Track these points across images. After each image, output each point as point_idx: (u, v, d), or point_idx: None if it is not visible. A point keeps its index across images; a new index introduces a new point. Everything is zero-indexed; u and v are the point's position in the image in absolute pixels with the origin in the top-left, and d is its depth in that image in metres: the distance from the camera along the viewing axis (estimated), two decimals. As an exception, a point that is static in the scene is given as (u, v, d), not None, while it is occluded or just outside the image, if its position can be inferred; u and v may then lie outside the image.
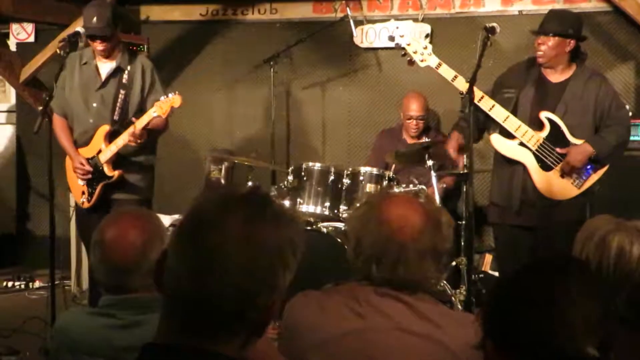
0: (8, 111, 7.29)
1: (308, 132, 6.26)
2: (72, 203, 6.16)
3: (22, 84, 5.91)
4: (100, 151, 4.43)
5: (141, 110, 4.45)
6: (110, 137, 4.42)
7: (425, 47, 4.08)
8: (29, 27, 6.86)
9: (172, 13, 6.49)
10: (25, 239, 6.96)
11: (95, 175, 4.46)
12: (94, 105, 4.45)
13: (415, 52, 4.08)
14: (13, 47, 6.70)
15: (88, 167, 4.43)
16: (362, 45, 6.06)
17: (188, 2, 6.44)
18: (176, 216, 5.69)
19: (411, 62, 4.14)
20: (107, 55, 4.44)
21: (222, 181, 6.00)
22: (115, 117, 4.42)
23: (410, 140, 5.39)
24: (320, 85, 6.20)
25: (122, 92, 4.43)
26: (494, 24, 3.90)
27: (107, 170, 4.43)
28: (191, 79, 6.45)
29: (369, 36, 6.03)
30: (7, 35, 6.78)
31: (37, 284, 6.07)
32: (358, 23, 5.93)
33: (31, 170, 7.00)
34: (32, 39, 6.88)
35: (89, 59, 4.48)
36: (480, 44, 3.88)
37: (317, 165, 4.80)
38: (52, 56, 5.74)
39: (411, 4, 5.98)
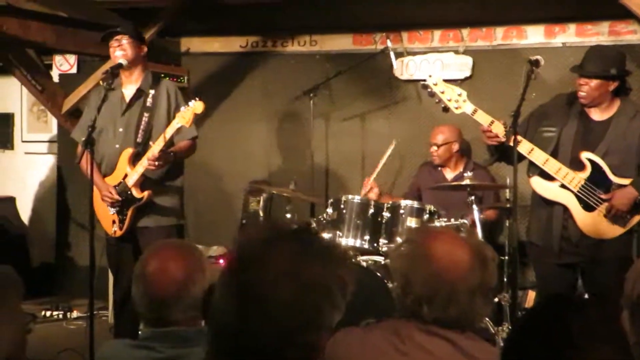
0: (49, 141, 7.45)
1: (347, 164, 6.26)
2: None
3: (64, 114, 6.02)
4: (126, 175, 4.43)
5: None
6: (135, 159, 4.42)
7: (460, 94, 4.07)
8: (72, 58, 7.01)
9: (212, 45, 6.59)
10: (64, 269, 7.05)
11: (124, 201, 4.45)
12: (120, 130, 4.48)
13: (449, 100, 4.07)
14: (56, 78, 6.86)
15: (116, 196, 4.41)
16: (402, 77, 6.06)
17: (228, 34, 6.53)
18: (214, 247, 5.73)
19: (446, 109, 4.14)
20: (128, 63, 4.42)
21: (260, 213, 6.02)
22: (139, 140, 4.43)
23: (450, 175, 5.37)
24: (360, 117, 6.22)
25: (145, 114, 4.44)
26: (538, 57, 3.88)
27: (136, 192, 4.41)
28: (230, 110, 6.52)
29: (409, 68, 6.04)
30: (50, 67, 6.94)
31: (74, 313, 6.12)
32: (398, 55, 5.94)
33: (71, 199, 7.11)
34: (74, 70, 7.04)
35: (116, 85, 4.51)
36: (524, 77, 3.85)
37: (357, 198, 4.80)
38: (94, 87, 5.83)
39: (452, 36, 5.98)
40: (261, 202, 6.11)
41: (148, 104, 4.46)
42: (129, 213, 4.45)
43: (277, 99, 6.42)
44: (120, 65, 4.40)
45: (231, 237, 6.30)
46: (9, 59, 5.71)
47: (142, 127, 4.43)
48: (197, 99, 4.23)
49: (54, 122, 7.27)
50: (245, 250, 1.39)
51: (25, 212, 7.44)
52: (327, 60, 6.30)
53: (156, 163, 4.28)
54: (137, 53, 4.47)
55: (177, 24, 6.31)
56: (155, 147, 4.28)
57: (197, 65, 6.58)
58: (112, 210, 4.50)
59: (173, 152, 4.42)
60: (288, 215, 5.13)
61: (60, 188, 7.16)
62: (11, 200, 7.27)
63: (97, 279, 4.25)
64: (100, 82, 4.34)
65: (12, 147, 7.70)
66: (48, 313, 6.11)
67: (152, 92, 4.47)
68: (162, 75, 5.23)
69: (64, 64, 7.06)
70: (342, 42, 6.29)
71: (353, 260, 4.51)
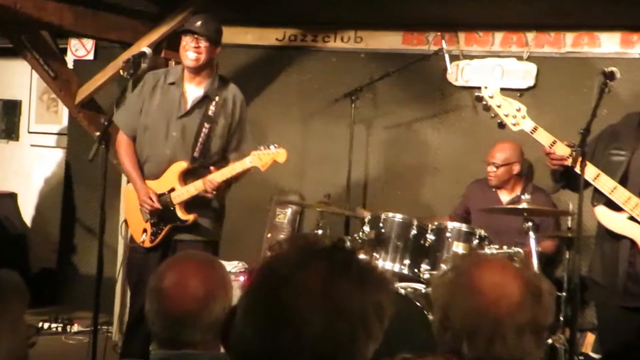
0: (59, 134, 7.59)
1: (389, 177, 6.29)
2: (117, 238, 6.40)
3: (77, 105, 6.09)
4: (173, 189, 4.46)
5: (223, 150, 4.51)
6: (186, 175, 4.46)
7: (519, 109, 4.07)
8: (89, 43, 7.15)
9: (245, 36, 6.66)
10: (67, 276, 7.17)
11: (164, 215, 4.48)
12: (174, 134, 4.47)
13: (507, 115, 4.07)
14: (70, 65, 6.95)
15: (158, 205, 4.45)
16: (456, 83, 6.08)
17: (263, 25, 6.61)
18: (234, 263, 5.78)
19: (502, 125, 4.13)
20: (197, 68, 4.44)
21: (288, 226, 6.07)
22: (196, 154, 4.45)
23: (505, 197, 5.36)
24: (405, 125, 6.24)
25: (206, 125, 4.45)
26: (614, 69, 3.86)
27: (180, 213, 4.46)
28: (261, 110, 6.57)
29: (465, 73, 6.05)
30: (64, 52, 7.07)
31: (75, 327, 6.21)
32: (453, 58, 5.96)
33: (79, 200, 7.23)
34: (90, 56, 7.18)
35: (177, 79, 4.51)
36: (597, 90, 3.83)
37: (398, 217, 4.82)
38: (113, 77, 5.93)
39: (515, 40, 5.98)
40: (289, 215, 6.18)
41: (210, 112, 4.47)
42: (166, 229, 4.51)
43: (314, 100, 6.48)
44: (143, 54, 4.37)
45: (253, 251, 6.35)
46: (21, 41, 5.79)
47: (201, 139, 4.46)
48: (280, 146, 4.29)
49: (65, 113, 7.41)
50: (274, 269, 1.41)
51: (27, 210, 7.57)
52: (373, 59, 6.34)
53: (214, 192, 4.36)
54: (210, 58, 4.49)
55: (208, 10, 6.35)
56: (218, 177, 4.33)
57: (226, 57, 6.54)
58: (147, 218, 4.54)
59: (233, 178, 4.46)
60: (319, 232, 5.16)
61: (68, 186, 7.29)
62: (12, 197, 7.38)
63: (103, 291, 4.33)
64: (121, 72, 4.36)
65: (17, 138, 7.86)
66: (46, 325, 6.19)
67: (217, 98, 4.49)
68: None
69: (80, 49, 7.20)
70: (390, 41, 6.33)
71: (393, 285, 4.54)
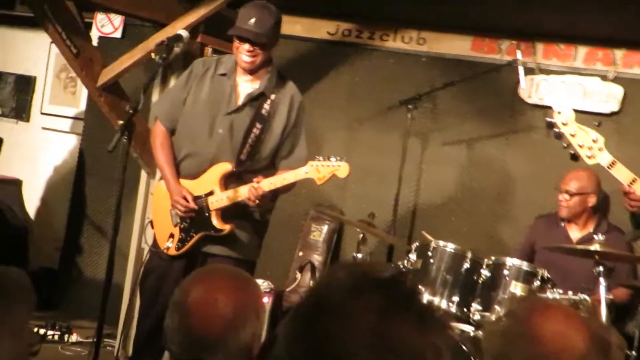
0: (74, 118, 7.67)
1: (443, 200, 6.28)
2: (129, 241, 6.44)
3: (99, 87, 6.12)
4: (211, 193, 4.45)
5: (273, 155, 4.49)
6: (229, 179, 4.45)
7: (596, 140, 4.04)
8: (117, 19, 7.23)
9: (294, 27, 6.69)
10: (69, 278, 7.24)
11: (197, 221, 4.48)
12: (220, 131, 4.47)
13: (581, 146, 4.05)
14: (94, 42, 7.01)
15: (193, 205, 4.43)
16: (529, 100, 6.06)
17: (315, 15, 6.65)
18: (260, 281, 5.78)
19: (575, 157, 4.11)
20: (252, 69, 4.45)
21: (322, 246, 6.08)
22: (243, 157, 4.44)
23: (575, 234, 5.33)
24: (467, 143, 6.23)
25: (258, 125, 4.44)
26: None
27: (216, 221, 4.45)
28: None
29: (539, 90, 6.03)
30: (89, 27, 7.14)
31: (74, 337, 6.26)
32: (528, 71, 5.94)
33: (90, 194, 7.31)
34: (118, 34, 7.25)
35: (229, 70, 4.50)
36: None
37: (450, 247, 4.81)
38: (141, 60, 5.98)
39: (601, 57, 5.94)
40: (325, 233, 6.18)
41: (264, 111, 4.46)
42: (196, 237, 4.50)
43: (366, 106, 6.50)
44: (179, 37, 4.38)
45: (281, 270, 6.37)
46: (43, 10, 5.82)
47: (250, 140, 4.45)
48: (342, 159, 4.27)
49: (83, 95, 7.50)
50: (323, 295, 1.42)
51: (31, 200, 7.66)
52: (436, 65, 6.35)
53: (258, 202, 4.31)
54: (267, 58, 4.49)
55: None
56: (266, 185, 4.29)
57: (278, 48, 6.67)
58: (176, 222, 4.55)
59: (281, 189, 4.44)
60: (359, 255, 5.16)
61: (79, 177, 7.36)
62: (16, 184, 7.47)
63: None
64: (152, 55, 4.38)
65: (27, 119, 7.97)
66: (41, 331, 6.22)
67: (273, 96, 4.48)
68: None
69: (106, 25, 7.28)
70: (457, 45, 6.33)
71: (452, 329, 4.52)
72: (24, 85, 8.00)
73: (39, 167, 7.83)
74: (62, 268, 7.32)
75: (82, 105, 7.57)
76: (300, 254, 6.36)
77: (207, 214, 4.45)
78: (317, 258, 6.27)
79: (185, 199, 4.44)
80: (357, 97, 6.58)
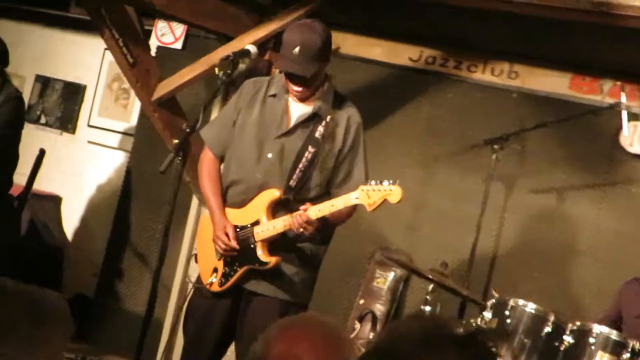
0: (124, 133, 7.78)
1: (526, 254, 6.21)
2: (174, 273, 6.49)
3: (154, 102, 6.19)
4: (258, 222, 4.45)
5: (327, 183, 4.49)
6: (277, 207, 4.45)
7: None
8: (179, 29, 7.32)
9: (372, 50, 6.73)
10: (105, 308, 7.31)
11: (241, 253, 4.49)
12: (269, 156, 4.47)
13: None
14: (153, 52, 7.11)
15: (234, 244, 4.44)
16: (630, 150, 5.98)
17: (397, 39, 6.67)
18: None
19: None
20: (304, 98, 4.48)
21: (386, 294, 6.07)
22: (292, 183, 4.43)
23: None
24: (557, 191, 6.17)
25: (310, 149, 4.43)
26: None
27: (262, 253, 4.44)
28: (375, 140, 6.54)
29: (644, 139, 5.98)
30: (148, 35, 7.26)
31: (104, 374, 6.31)
32: (632, 117, 5.87)
33: (135, 218, 7.40)
34: (178, 44, 7.35)
35: (280, 91, 4.54)
36: None
37: (531, 307, 4.78)
38: (203, 75, 6.05)
39: None
40: (391, 280, 6.16)
41: (317, 134, 4.46)
42: (240, 271, 4.51)
43: (446, 142, 6.50)
44: (246, 52, 4.43)
45: (338, 319, 6.36)
46: (100, 14, 5.89)
47: (301, 165, 4.44)
48: (395, 182, 4.21)
49: (136, 109, 7.63)
50: (394, 346, 1.43)
51: (70, 220, 7.81)
52: (528, 102, 6.32)
53: (307, 228, 4.28)
54: (319, 80, 4.48)
55: (330, 12, 6.45)
56: (312, 212, 4.26)
57: (344, 71, 6.67)
58: (220, 256, 4.57)
59: (327, 221, 4.40)
60: (427, 308, 5.14)
61: (124, 199, 7.46)
62: (55, 201, 7.59)
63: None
64: (216, 70, 4.42)
65: (73, 131, 8.11)
66: (70, 364, 6.30)
67: (328, 118, 4.48)
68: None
69: (167, 35, 7.38)
70: (553, 82, 6.29)
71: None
72: (73, 93, 8.15)
73: (81, 184, 7.95)
74: (98, 296, 7.40)
75: (134, 120, 7.70)
76: (362, 301, 6.34)
77: (252, 246, 4.45)
78: (379, 308, 6.25)
79: (227, 235, 4.45)
80: (437, 132, 6.57)
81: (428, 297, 5.19)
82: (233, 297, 4.56)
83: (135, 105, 7.56)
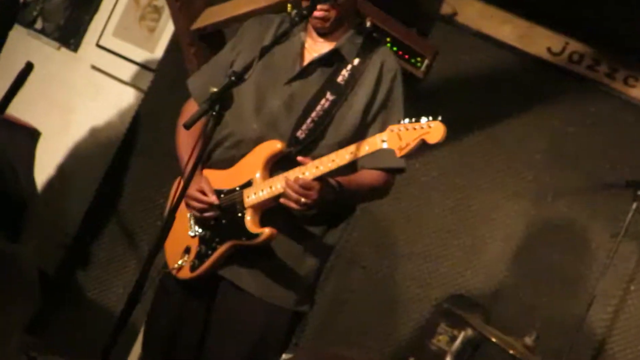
0: (143, 66, 7.76)
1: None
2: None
3: (193, 31, 6.18)
4: (249, 183, 4.39)
5: (348, 142, 4.29)
6: (277, 165, 4.36)
7: None
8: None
9: (501, 27, 6.73)
10: (66, 293, 7.31)
11: (224, 225, 4.42)
12: (274, 104, 4.45)
13: None
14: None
15: (213, 198, 4.35)
16: None
17: (537, 20, 6.67)
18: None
19: None
20: (327, 30, 4.46)
21: (449, 357, 6.03)
22: (300, 135, 4.38)
23: None
24: None
25: (328, 96, 4.41)
26: None
27: (251, 222, 4.32)
28: (478, 146, 6.68)
29: None
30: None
31: (53, 376, 6.32)
32: None
33: (132, 182, 7.43)
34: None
35: (295, 30, 4.45)
36: None
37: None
38: (266, 9, 6.01)
39: None
40: (459, 343, 6.09)
41: (340, 79, 4.45)
42: (221, 250, 4.41)
43: (572, 173, 6.52)
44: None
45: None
46: None
47: (314, 113, 4.41)
48: (436, 119, 4.00)
49: (165, 37, 7.63)
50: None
51: (46, 165, 7.78)
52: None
53: (301, 199, 4.15)
54: (348, 11, 4.50)
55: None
56: (312, 169, 4.18)
57: (456, 46, 6.68)
58: (194, 232, 4.51)
59: (340, 187, 4.32)
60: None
61: (124, 152, 7.48)
62: (32, 136, 7.40)
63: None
64: (288, 7, 4.39)
65: (75, 48, 8.10)
66: None
67: (355, 61, 4.48)
68: (416, 63, 5.24)
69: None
70: None
71: None
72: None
73: (70, 121, 7.95)
74: (60, 276, 7.42)
75: (159, 51, 7.69)
76: (412, 360, 6.31)
77: (239, 214, 4.36)
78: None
79: (202, 192, 4.37)
80: (563, 156, 6.58)
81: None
82: (209, 290, 4.49)
83: (166, 31, 7.58)
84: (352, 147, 4.13)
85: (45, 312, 7.18)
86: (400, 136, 4.02)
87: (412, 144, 4.00)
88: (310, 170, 4.13)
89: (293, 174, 4.14)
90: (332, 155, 4.15)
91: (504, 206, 6.50)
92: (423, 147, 3.99)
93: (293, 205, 4.12)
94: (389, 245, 6.71)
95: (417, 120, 3.99)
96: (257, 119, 4.44)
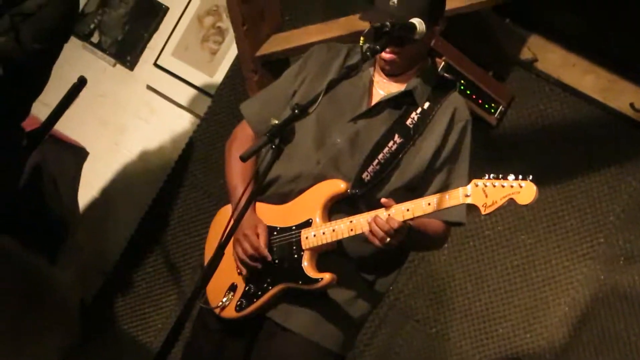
0: (201, 90, 7.71)
1: None
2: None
3: (258, 58, 6.17)
4: (308, 224, 4.39)
5: (414, 188, 4.38)
6: (338, 206, 4.38)
7: None
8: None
9: (582, 77, 6.59)
10: (102, 324, 7.31)
11: (277, 266, 4.41)
12: (337, 141, 4.46)
13: None
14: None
15: (264, 251, 4.36)
16: None
17: (622, 71, 6.53)
18: None
19: None
20: (394, 72, 4.48)
21: None
22: (365, 177, 4.40)
23: None
24: None
25: (397, 138, 4.43)
26: None
27: (309, 267, 4.33)
28: (544, 208, 6.57)
29: None
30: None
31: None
32: None
33: (180, 213, 7.42)
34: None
35: (365, 64, 4.42)
36: None
37: None
38: (337, 40, 5.98)
39: None
40: None
41: (409, 122, 4.46)
42: (272, 292, 4.42)
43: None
44: (410, 28, 4.31)
45: None
46: None
47: (381, 156, 4.43)
48: (526, 178, 4.01)
49: (227, 61, 7.58)
50: None
51: (91, 187, 7.79)
52: None
53: (387, 239, 4.15)
54: (419, 52, 4.51)
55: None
56: (399, 213, 4.18)
57: (533, 94, 6.62)
58: (242, 271, 4.50)
59: (415, 231, 4.31)
60: None
61: (174, 181, 7.47)
62: (79, 155, 7.43)
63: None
64: (361, 40, 4.33)
65: (131, 66, 8.06)
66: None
67: (426, 105, 4.48)
68: (492, 109, 5.19)
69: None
70: None
71: None
72: (146, 14, 8.07)
73: (120, 142, 7.93)
74: (97, 305, 7.42)
75: (219, 76, 7.64)
76: None
77: (296, 256, 4.35)
78: None
79: (256, 236, 4.37)
80: (638, 220, 6.46)
81: None
82: (251, 330, 4.51)
83: (228, 55, 7.51)
84: (434, 198, 4.15)
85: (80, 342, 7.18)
86: (486, 192, 4.05)
87: (500, 203, 4.03)
88: (399, 211, 4.16)
89: (380, 218, 4.12)
90: (417, 205, 4.17)
91: (571, 268, 6.42)
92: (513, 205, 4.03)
93: (377, 243, 4.14)
94: (446, 300, 6.66)
95: (505, 177, 4.03)
96: (319, 154, 4.45)
